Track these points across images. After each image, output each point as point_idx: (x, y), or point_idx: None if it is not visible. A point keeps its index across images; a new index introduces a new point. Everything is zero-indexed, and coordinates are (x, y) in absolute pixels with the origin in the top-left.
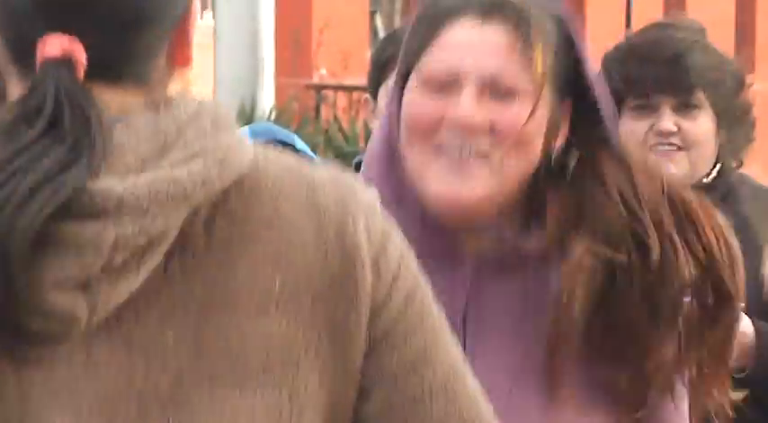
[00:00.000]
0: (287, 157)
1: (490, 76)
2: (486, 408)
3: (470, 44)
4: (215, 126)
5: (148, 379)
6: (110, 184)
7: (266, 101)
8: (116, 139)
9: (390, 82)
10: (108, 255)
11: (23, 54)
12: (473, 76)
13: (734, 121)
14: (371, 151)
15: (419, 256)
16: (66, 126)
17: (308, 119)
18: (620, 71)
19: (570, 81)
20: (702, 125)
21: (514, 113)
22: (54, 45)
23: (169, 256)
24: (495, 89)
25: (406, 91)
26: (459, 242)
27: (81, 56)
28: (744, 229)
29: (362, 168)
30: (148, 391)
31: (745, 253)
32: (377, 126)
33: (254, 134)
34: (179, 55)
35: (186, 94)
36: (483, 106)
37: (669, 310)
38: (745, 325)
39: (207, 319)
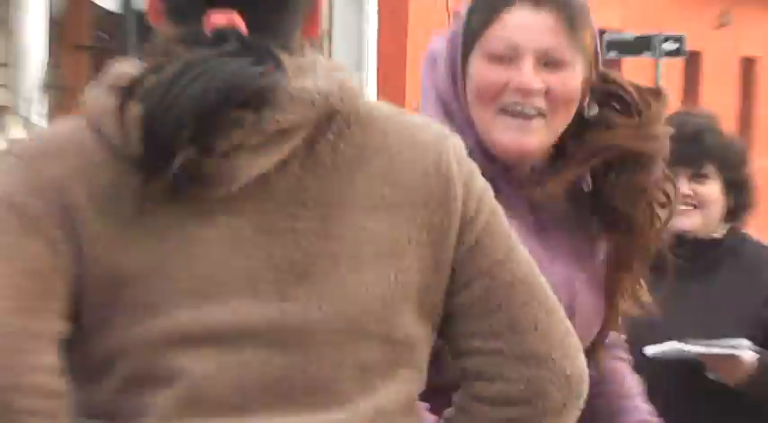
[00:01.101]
0: (388, 105)
1: (544, 50)
2: (550, 292)
3: (527, 25)
4: (336, 68)
5: (285, 256)
6: (267, 80)
7: None
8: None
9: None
10: (257, 132)
11: (194, 32)
12: (530, 50)
13: (738, 188)
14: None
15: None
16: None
17: None
18: None
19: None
20: (712, 190)
21: (564, 80)
22: (220, 17)
23: (293, 156)
24: (547, 61)
25: (470, 63)
26: (516, 178)
27: (242, 26)
28: (749, 273)
29: None
30: (284, 264)
31: (749, 293)
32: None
33: None
34: (311, 29)
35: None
36: (538, 74)
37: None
38: (750, 353)
39: (329, 214)
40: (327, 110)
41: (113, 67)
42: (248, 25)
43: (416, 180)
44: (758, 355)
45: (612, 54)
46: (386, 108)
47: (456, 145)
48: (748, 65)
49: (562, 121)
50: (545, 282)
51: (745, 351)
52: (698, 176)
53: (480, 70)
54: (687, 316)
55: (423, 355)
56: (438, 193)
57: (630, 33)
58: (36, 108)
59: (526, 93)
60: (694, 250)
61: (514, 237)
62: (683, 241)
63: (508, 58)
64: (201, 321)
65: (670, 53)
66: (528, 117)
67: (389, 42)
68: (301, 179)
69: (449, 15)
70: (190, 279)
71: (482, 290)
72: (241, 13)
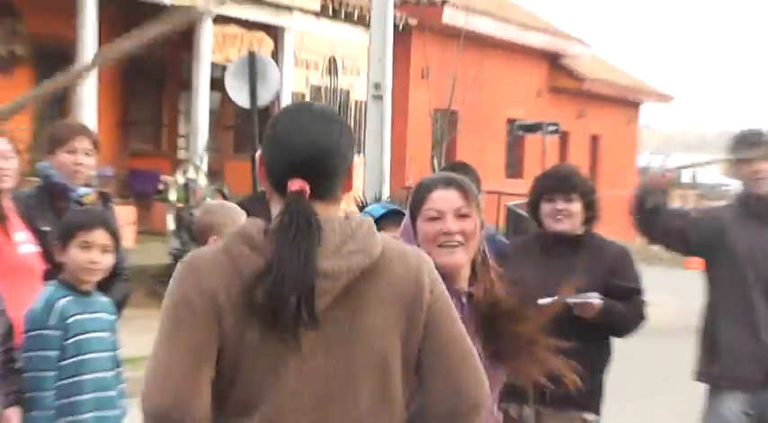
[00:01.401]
0: (391, 238)
1: (456, 209)
2: (470, 343)
3: (444, 197)
4: (369, 232)
5: (330, 364)
6: (322, 264)
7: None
8: (325, 231)
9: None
10: (320, 289)
11: (281, 189)
12: (450, 211)
13: (590, 207)
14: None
15: None
16: (305, 230)
17: None
18: (541, 182)
19: None
20: (576, 207)
21: (469, 224)
22: (296, 183)
23: (338, 298)
24: (458, 216)
25: (418, 223)
26: (452, 281)
27: (307, 189)
28: (596, 255)
29: None
30: (332, 370)
31: (597, 267)
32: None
33: (383, 207)
34: (347, 185)
35: (353, 210)
36: (456, 224)
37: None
38: (598, 301)
39: (354, 328)
40: (358, 272)
41: (247, 223)
42: (312, 187)
43: (405, 290)
44: (603, 302)
45: (520, 132)
46: (389, 242)
47: (428, 263)
48: (595, 140)
49: (473, 247)
50: (471, 347)
51: (596, 299)
52: (568, 199)
53: (423, 227)
54: (561, 281)
55: (401, 395)
56: (415, 296)
57: (530, 121)
58: (203, 161)
59: (451, 234)
60: (566, 242)
61: (456, 316)
62: (560, 237)
63: (438, 218)
64: (282, 400)
65: (551, 132)
66: (453, 247)
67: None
68: (338, 308)
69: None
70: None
71: (431, 349)
72: (308, 180)
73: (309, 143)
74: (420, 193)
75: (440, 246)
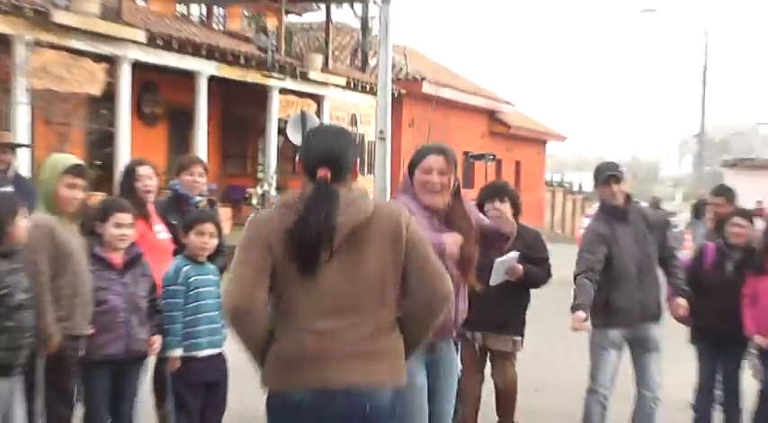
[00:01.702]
0: (379, 201)
1: (440, 168)
2: (435, 257)
3: (435, 159)
4: (364, 198)
5: (347, 283)
6: (338, 220)
7: None
8: (339, 199)
9: None
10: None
11: (312, 176)
12: (436, 169)
13: (516, 206)
14: (399, 193)
15: (420, 218)
16: (327, 197)
17: None
18: (485, 191)
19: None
20: (507, 207)
21: (448, 178)
22: (322, 172)
23: (343, 241)
24: (441, 172)
25: (415, 175)
26: (433, 214)
27: (329, 175)
28: (522, 240)
29: (396, 197)
30: (345, 288)
31: (524, 244)
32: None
33: None
34: (353, 175)
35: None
36: (439, 177)
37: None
38: (518, 265)
39: (359, 260)
40: (357, 224)
41: (287, 194)
42: (331, 175)
43: (389, 230)
44: (526, 267)
45: (471, 160)
46: (378, 202)
47: (405, 211)
48: (518, 164)
49: (447, 193)
50: (432, 251)
51: (517, 264)
52: (502, 201)
53: (419, 177)
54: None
55: (393, 300)
56: (396, 233)
57: (477, 153)
58: (273, 179)
59: (435, 183)
60: None
61: (427, 242)
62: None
63: (428, 171)
64: (316, 301)
65: (490, 160)
66: (435, 192)
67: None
68: (342, 248)
69: None
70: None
71: (411, 266)
72: (330, 170)
73: (329, 147)
74: (420, 155)
75: (426, 191)
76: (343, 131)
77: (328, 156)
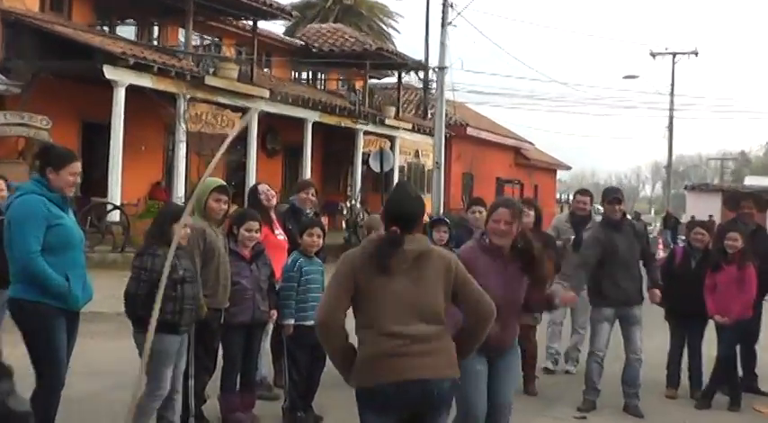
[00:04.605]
0: (435, 246)
1: (506, 219)
2: (482, 292)
3: (505, 212)
4: (423, 240)
5: (413, 296)
6: (408, 247)
7: None
8: (405, 242)
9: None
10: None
11: (388, 226)
12: (503, 220)
13: (538, 215)
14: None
15: (488, 259)
16: (395, 243)
17: None
18: None
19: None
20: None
21: (510, 228)
22: (393, 228)
23: (412, 262)
24: (506, 223)
25: (488, 222)
26: (499, 255)
27: (399, 232)
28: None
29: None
30: (409, 299)
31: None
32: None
33: (436, 218)
34: (419, 228)
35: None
36: (504, 226)
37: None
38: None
39: (422, 279)
40: (418, 255)
41: (372, 236)
42: (401, 229)
43: (441, 268)
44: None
45: (502, 184)
46: (433, 246)
47: (453, 255)
48: (537, 187)
49: (510, 237)
50: (475, 282)
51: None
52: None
53: (491, 225)
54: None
55: (444, 313)
56: (447, 271)
57: (507, 178)
58: (358, 196)
59: (501, 230)
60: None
61: (471, 278)
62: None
63: (498, 221)
64: (391, 315)
65: (517, 184)
66: (501, 236)
67: None
68: (410, 268)
69: None
70: (387, 302)
71: (464, 298)
72: (400, 226)
73: (404, 210)
74: (493, 207)
75: (495, 234)
76: (418, 198)
77: (401, 216)
